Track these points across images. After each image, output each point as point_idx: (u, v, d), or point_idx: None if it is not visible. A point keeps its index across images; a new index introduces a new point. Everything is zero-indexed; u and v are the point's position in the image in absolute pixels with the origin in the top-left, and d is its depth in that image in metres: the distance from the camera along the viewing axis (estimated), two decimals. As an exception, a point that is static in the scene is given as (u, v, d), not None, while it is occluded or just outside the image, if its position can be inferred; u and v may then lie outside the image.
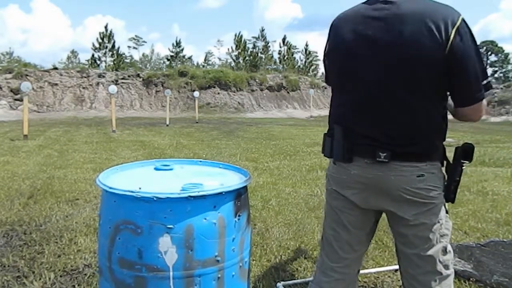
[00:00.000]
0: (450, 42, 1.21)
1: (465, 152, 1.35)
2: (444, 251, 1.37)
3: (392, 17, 1.27)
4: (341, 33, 1.37)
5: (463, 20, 1.23)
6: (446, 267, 1.38)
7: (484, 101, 1.31)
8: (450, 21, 1.21)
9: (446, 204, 1.39)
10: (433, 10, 1.24)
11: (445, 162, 1.38)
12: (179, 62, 43.17)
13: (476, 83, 1.27)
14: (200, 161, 1.81)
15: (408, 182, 1.30)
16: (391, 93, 1.28)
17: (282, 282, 2.29)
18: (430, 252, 1.35)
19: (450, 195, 1.36)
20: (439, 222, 1.34)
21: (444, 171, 1.38)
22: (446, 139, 1.38)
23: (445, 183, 1.36)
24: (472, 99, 1.29)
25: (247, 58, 45.58)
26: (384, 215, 1.48)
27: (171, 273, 1.25)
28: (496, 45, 52.72)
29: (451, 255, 1.40)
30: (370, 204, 1.39)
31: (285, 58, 46.94)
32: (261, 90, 26.77)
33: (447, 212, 1.39)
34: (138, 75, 25.31)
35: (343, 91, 1.41)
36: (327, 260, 1.50)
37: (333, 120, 1.43)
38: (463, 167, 1.37)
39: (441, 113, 1.33)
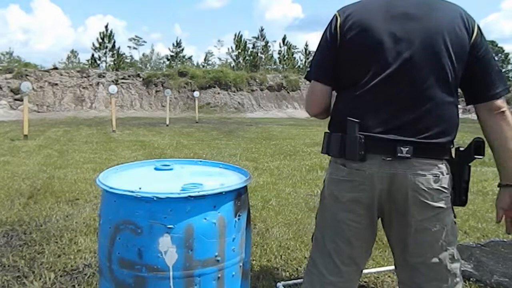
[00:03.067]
0: (475, 35, 1.24)
1: (478, 147, 1.28)
2: (452, 258, 1.30)
3: (418, 4, 1.25)
4: (364, 22, 1.27)
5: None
6: (455, 275, 1.31)
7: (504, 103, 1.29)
8: (472, 18, 1.26)
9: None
10: (453, 5, 1.28)
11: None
12: (179, 62, 43.19)
13: (500, 76, 1.28)
14: (200, 161, 1.81)
15: (424, 182, 1.23)
16: (418, 81, 1.23)
17: (282, 282, 2.29)
18: (436, 260, 1.28)
19: (461, 197, 1.30)
20: (443, 228, 1.27)
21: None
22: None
23: (454, 185, 1.29)
24: (497, 92, 1.28)
25: (247, 58, 45.60)
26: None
27: (171, 273, 1.25)
28: (496, 45, 52.73)
29: (460, 263, 1.33)
30: (382, 206, 1.29)
31: (285, 58, 46.95)
32: (261, 90, 26.78)
33: (455, 216, 1.32)
34: (138, 75, 25.33)
35: (359, 84, 1.28)
36: (327, 273, 1.37)
37: (344, 114, 1.29)
38: (470, 166, 1.31)
39: (457, 108, 1.30)
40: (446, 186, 1.26)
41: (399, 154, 1.21)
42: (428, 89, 1.23)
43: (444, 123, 1.25)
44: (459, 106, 1.31)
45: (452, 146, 1.31)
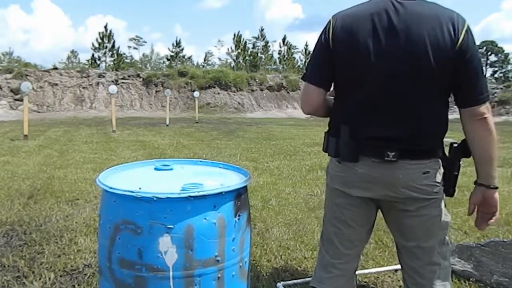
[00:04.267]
0: (460, 41, 1.25)
1: (465, 148, 1.38)
2: (443, 242, 1.42)
3: (404, 16, 1.28)
4: (354, 32, 1.32)
5: (468, 24, 1.28)
6: (445, 258, 1.43)
7: (489, 107, 1.32)
8: (461, 23, 1.27)
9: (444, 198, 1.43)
10: (442, 12, 1.29)
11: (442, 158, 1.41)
12: (179, 62, 43.18)
13: (483, 83, 1.31)
14: (200, 161, 1.81)
15: (414, 179, 1.32)
16: (403, 92, 1.29)
17: (282, 282, 2.29)
18: (429, 244, 1.40)
19: (450, 189, 1.41)
20: (439, 214, 1.39)
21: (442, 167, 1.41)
22: (446, 139, 1.40)
23: (444, 178, 1.40)
24: (479, 98, 1.30)
25: (247, 58, 45.59)
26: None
27: (171, 273, 1.25)
28: (496, 45, 52.72)
29: (449, 247, 1.46)
30: (377, 201, 1.43)
31: (285, 58, 46.96)
32: (261, 90, 26.80)
33: (445, 205, 1.43)
34: (138, 75, 25.34)
35: (351, 91, 1.37)
36: (328, 256, 1.51)
37: (338, 119, 1.42)
38: (461, 162, 1.41)
39: (447, 112, 1.37)
40: (437, 180, 1.36)
41: (386, 158, 1.31)
42: (412, 99, 1.30)
43: (430, 131, 1.34)
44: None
45: (441, 144, 1.39)
